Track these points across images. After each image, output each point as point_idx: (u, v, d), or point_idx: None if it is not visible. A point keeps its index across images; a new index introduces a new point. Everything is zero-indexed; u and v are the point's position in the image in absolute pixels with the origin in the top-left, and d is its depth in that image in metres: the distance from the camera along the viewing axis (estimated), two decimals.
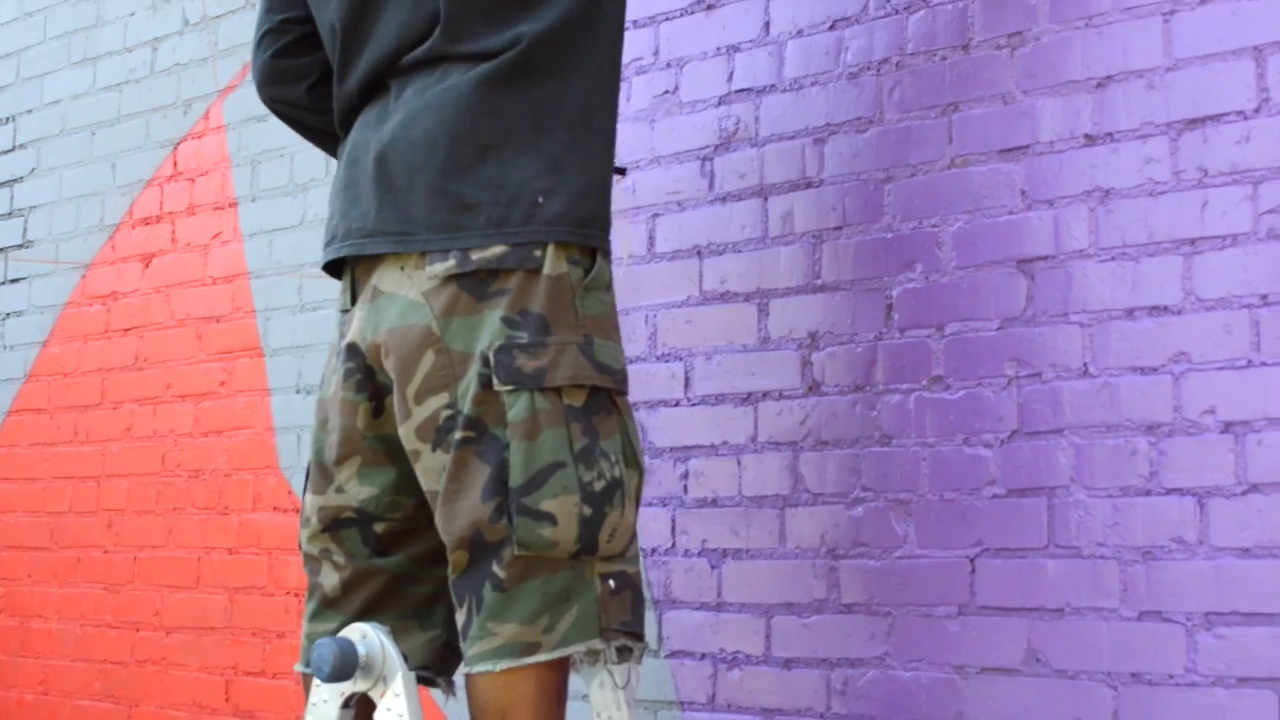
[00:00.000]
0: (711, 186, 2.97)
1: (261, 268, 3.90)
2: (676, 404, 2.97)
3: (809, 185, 2.82)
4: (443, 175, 2.17)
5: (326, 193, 3.75)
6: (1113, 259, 2.44)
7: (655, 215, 3.03)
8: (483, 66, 2.19)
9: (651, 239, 3.04)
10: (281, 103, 2.53)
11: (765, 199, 2.88)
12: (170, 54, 4.22)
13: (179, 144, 4.16)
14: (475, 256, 2.15)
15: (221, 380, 3.95)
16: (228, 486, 3.90)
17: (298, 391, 3.77)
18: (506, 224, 2.15)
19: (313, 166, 3.79)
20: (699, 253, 2.97)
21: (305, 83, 2.48)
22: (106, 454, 4.24)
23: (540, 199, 2.16)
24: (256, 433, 3.85)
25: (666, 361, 2.98)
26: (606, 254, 2.24)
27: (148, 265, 4.20)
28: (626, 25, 3.09)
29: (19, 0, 4.74)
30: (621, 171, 2.67)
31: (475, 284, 2.16)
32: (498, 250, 2.15)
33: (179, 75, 4.18)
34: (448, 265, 2.17)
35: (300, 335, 3.78)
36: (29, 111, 4.64)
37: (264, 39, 2.51)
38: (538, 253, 2.16)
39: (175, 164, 4.17)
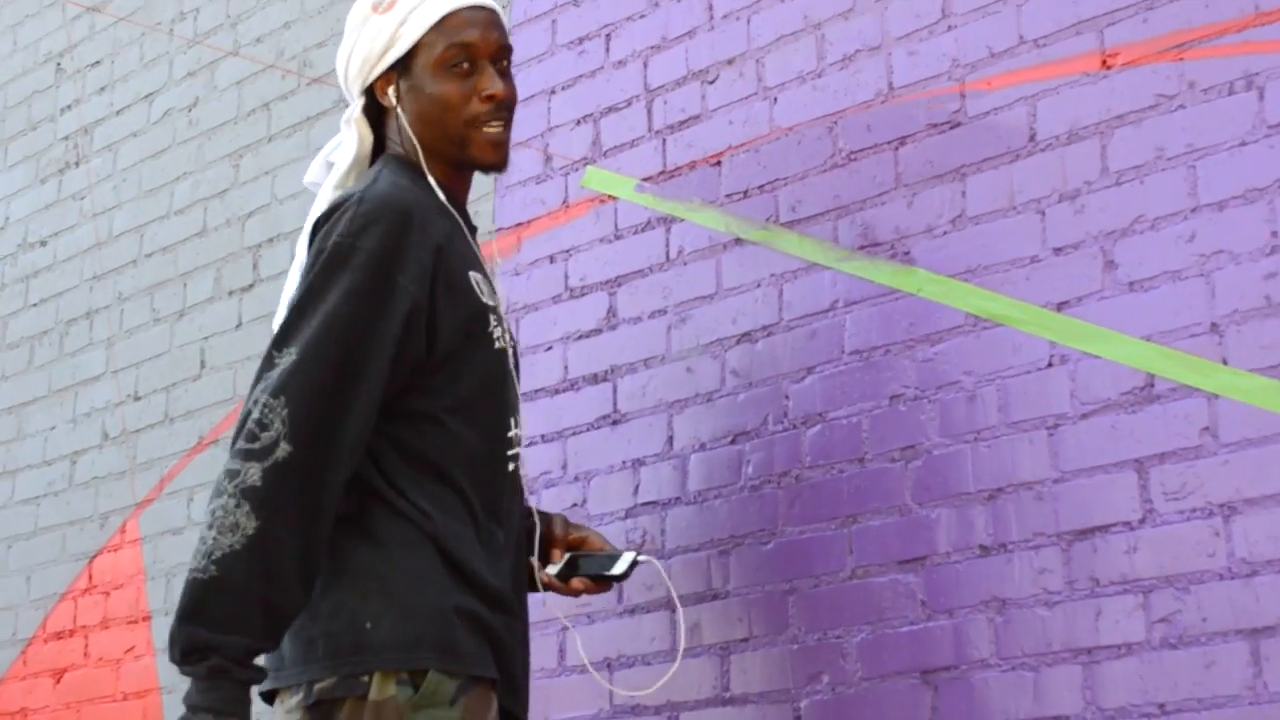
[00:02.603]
0: (620, 599, 2.99)
1: (174, 683, 3.85)
2: None
3: (715, 597, 2.85)
4: (306, 612, 2.19)
5: None
6: (1013, 669, 2.47)
7: (564, 629, 3.04)
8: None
9: (562, 652, 3.04)
10: None
11: (673, 611, 2.90)
12: (89, 468, 4.26)
13: (94, 557, 4.16)
14: (317, 688, 2.17)
15: None
16: None
17: None
18: (338, 654, 2.16)
19: None
20: (609, 665, 2.97)
21: None
22: None
23: (368, 624, 2.16)
24: None
25: None
26: (450, 670, 2.17)
27: (59, 680, 4.15)
28: (534, 439, 3.16)
29: None
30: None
31: (321, 716, 2.16)
32: (331, 681, 2.16)
33: (97, 488, 4.21)
34: (298, 699, 2.18)
35: None
36: None
37: None
38: (365, 678, 2.15)
39: (90, 577, 4.16)
